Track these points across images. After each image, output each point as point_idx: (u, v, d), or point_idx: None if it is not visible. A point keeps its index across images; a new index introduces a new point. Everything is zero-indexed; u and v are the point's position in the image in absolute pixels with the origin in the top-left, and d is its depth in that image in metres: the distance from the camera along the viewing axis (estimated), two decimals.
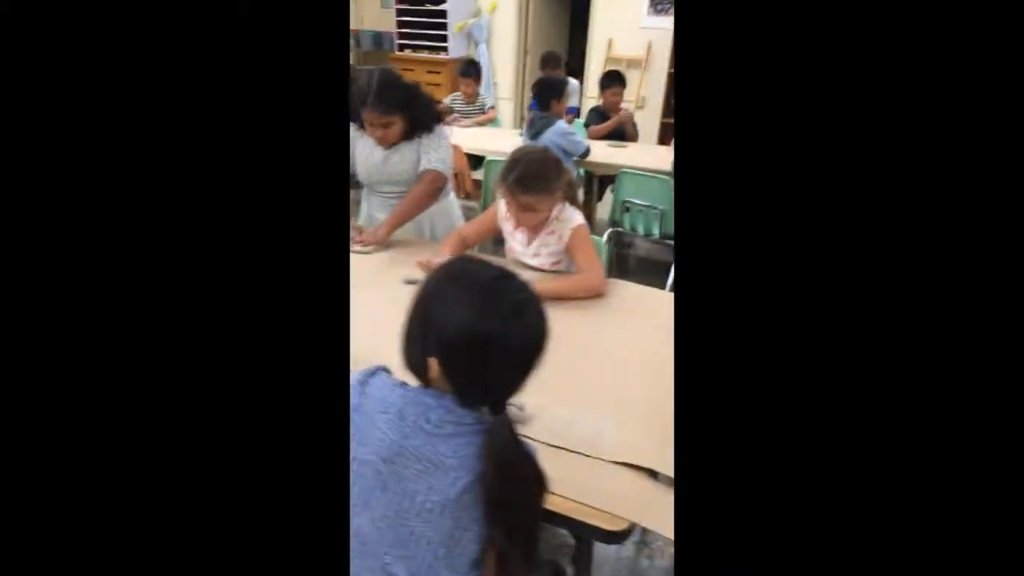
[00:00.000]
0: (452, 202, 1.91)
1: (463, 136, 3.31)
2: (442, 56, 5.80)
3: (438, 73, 5.86)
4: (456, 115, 3.85)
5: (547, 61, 4.05)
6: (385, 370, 0.80)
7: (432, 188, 1.69)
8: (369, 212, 1.88)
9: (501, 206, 1.58)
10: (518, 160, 1.40)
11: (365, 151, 1.76)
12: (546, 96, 2.79)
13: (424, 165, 1.69)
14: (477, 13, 5.76)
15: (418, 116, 1.68)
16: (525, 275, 0.79)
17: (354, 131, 1.78)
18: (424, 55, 5.90)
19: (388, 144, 1.71)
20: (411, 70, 6.02)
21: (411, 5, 5.77)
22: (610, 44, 5.28)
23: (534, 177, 1.37)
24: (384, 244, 1.65)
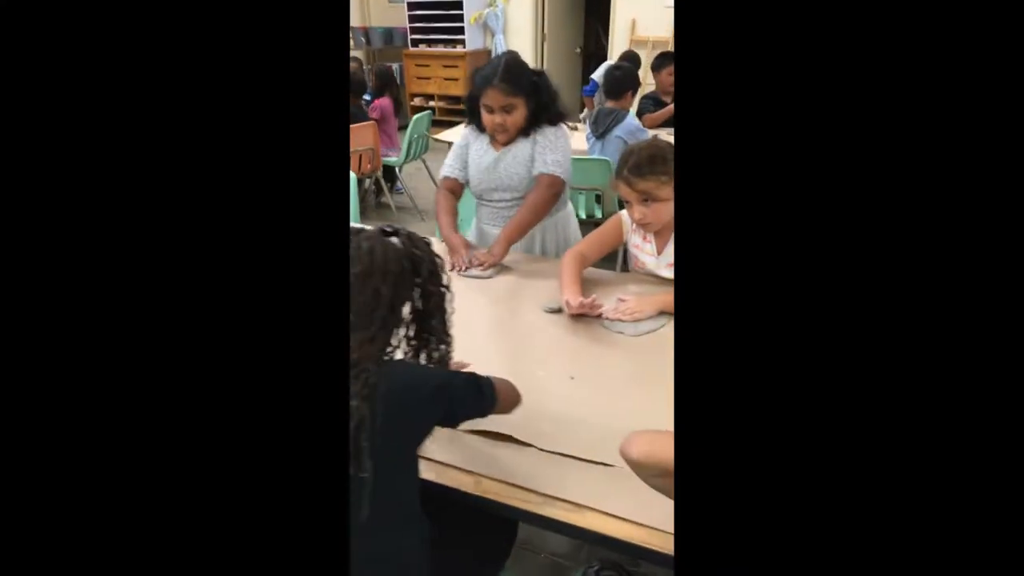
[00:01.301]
0: (568, 213, 1.71)
1: None
2: (459, 49, 5.63)
3: (455, 67, 5.69)
4: None
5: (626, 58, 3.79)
6: None
7: (550, 194, 1.51)
8: (479, 226, 1.70)
9: (624, 217, 1.46)
10: (631, 151, 1.34)
11: (477, 154, 1.60)
12: (621, 86, 2.54)
13: (539, 168, 1.51)
14: (492, 2, 5.57)
15: (542, 104, 1.50)
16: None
17: (467, 133, 1.63)
18: (440, 49, 5.73)
19: (505, 138, 1.53)
20: (427, 65, 5.85)
21: None
22: (633, 25, 5.11)
23: (649, 160, 1.29)
24: (500, 262, 1.51)
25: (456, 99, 5.80)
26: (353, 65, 4.37)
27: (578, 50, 6.29)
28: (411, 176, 4.18)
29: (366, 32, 6.02)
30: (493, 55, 5.73)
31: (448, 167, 1.67)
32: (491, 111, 1.49)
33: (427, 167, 4.03)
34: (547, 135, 1.52)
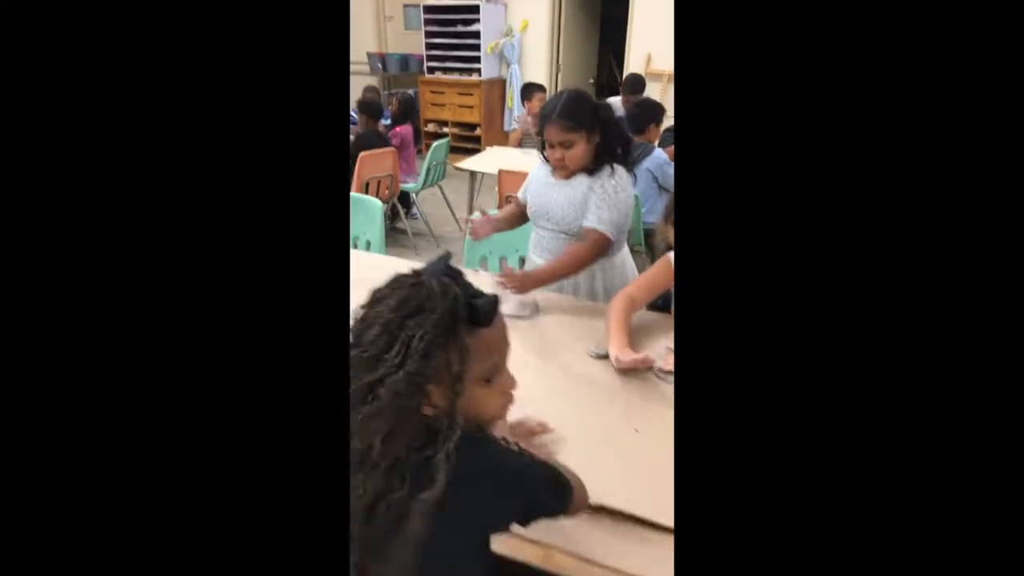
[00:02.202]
0: (626, 255, 1.62)
1: (525, 160, 3.15)
2: (474, 78, 5.67)
3: (470, 95, 5.72)
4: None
5: (632, 86, 3.82)
6: None
7: (595, 251, 1.44)
8: (529, 255, 1.65)
9: (671, 258, 1.41)
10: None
11: (538, 176, 1.57)
12: (643, 120, 2.55)
13: (591, 222, 1.43)
14: (509, 32, 5.63)
15: (607, 143, 1.44)
16: None
17: (540, 160, 1.59)
18: (455, 77, 5.77)
19: (565, 173, 1.48)
20: (441, 92, 5.89)
21: (441, 27, 5.64)
22: (649, 59, 5.15)
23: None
24: (524, 293, 1.42)
25: (470, 126, 5.82)
26: (371, 92, 4.39)
27: (591, 81, 6.34)
28: (425, 201, 4.15)
29: (383, 58, 6.07)
30: (508, 84, 5.79)
31: (520, 189, 1.66)
32: (552, 145, 1.45)
33: (443, 193, 4.01)
34: (607, 187, 1.44)
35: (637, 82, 3.85)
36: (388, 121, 4.03)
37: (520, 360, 1.22)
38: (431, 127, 5.98)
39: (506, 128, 5.94)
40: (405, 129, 3.85)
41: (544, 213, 1.55)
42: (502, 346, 0.65)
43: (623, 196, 1.46)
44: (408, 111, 3.97)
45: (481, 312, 0.62)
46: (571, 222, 1.50)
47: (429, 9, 5.61)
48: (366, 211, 2.15)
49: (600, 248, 1.46)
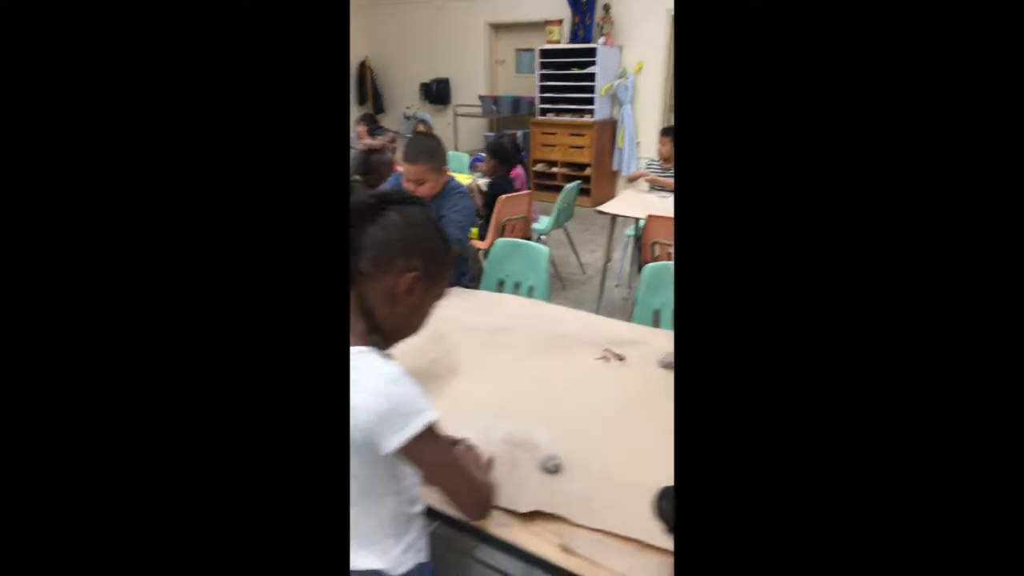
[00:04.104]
0: None
1: (664, 205, 3.06)
2: (586, 119, 5.70)
3: (582, 135, 5.75)
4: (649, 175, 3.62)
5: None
6: None
7: None
8: None
9: None
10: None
11: None
12: None
13: None
14: (623, 74, 5.64)
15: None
16: None
17: None
18: (567, 118, 5.83)
19: None
20: (552, 133, 5.96)
21: (556, 70, 5.75)
22: None
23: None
24: None
25: (580, 166, 5.84)
26: (504, 138, 4.50)
27: None
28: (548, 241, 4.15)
29: (495, 100, 6.24)
30: (619, 125, 5.77)
31: None
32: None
33: (568, 234, 3.99)
34: None
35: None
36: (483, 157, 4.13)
37: None
38: (540, 167, 6.04)
39: (614, 168, 5.91)
40: (519, 171, 3.89)
41: None
42: None
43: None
44: (516, 153, 4.03)
45: None
46: None
47: (546, 53, 5.73)
48: (530, 257, 2.13)
49: None
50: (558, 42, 5.72)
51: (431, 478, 0.75)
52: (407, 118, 6.48)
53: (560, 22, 5.71)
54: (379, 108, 7.25)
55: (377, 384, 0.68)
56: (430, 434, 0.70)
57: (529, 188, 4.39)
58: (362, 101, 7.22)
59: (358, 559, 0.75)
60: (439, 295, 0.79)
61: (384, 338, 0.75)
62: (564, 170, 5.93)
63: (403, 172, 1.99)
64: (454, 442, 0.86)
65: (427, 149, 1.96)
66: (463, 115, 6.68)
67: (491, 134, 5.68)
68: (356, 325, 0.73)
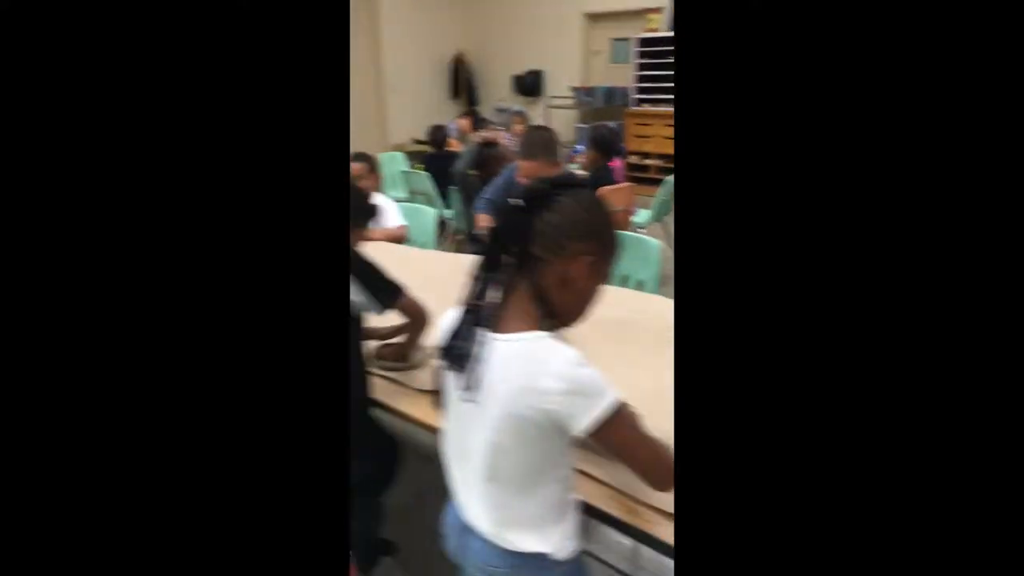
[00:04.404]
0: None
1: None
2: None
3: None
4: None
5: None
6: None
7: None
8: None
9: None
10: None
11: None
12: None
13: None
14: None
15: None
16: None
17: None
18: (663, 108, 5.68)
19: None
20: (648, 124, 5.83)
21: (654, 59, 5.60)
22: None
23: None
24: None
25: (672, 157, 5.66)
26: (604, 129, 4.47)
27: None
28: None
29: (589, 91, 6.18)
30: None
31: None
32: None
33: (665, 229, 3.90)
34: None
35: None
36: (582, 148, 4.06)
37: None
38: (634, 159, 5.93)
39: None
40: (619, 163, 3.82)
41: None
42: None
43: None
44: (617, 144, 3.96)
45: None
46: None
47: (645, 42, 5.60)
48: (639, 250, 2.10)
49: None
50: (657, 30, 5.57)
51: (623, 454, 0.75)
52: (499, 111, 6.56)
53: (659, 10, 5.55)
54: (472, 101, 7.37)
55: (561, 368, 0.69)
56: (622, 411, 0.71)
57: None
58: (456, 95, 7.37)
59: (524, 542, 0.78)
60: (606, 279, 0.80)
61: (557, 323, 0.77)
62: (658, 162, 5.78)
63: (519, 167, 2.03)
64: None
65: (542, 143, 1.98)
66: (554, 107, 6.66)
67: (583, 125, 5.63)
68: (530, 310, 0.74)
